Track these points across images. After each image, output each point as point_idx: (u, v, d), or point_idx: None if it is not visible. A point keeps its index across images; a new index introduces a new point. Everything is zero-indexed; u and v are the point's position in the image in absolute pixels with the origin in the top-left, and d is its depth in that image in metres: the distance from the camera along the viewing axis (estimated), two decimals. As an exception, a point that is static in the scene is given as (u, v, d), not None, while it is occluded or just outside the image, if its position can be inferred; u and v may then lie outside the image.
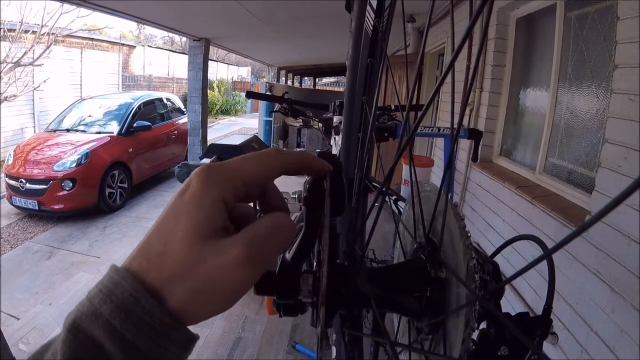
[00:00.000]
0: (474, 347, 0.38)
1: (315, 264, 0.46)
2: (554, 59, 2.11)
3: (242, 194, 0.28)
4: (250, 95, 2.43)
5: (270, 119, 7.66)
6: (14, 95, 7.02)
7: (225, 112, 17.97)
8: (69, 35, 8.73)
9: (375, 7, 0.57)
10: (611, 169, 1.41)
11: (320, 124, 2.38)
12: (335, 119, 1.98)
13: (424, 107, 0.32)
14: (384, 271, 0.47)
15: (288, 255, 0.46)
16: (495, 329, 0.39)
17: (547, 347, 1.65)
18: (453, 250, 0.39)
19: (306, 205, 0.45)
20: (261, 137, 7.61)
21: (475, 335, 0.36)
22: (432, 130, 2.04)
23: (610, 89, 1.48)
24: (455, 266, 0.38)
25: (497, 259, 0.43)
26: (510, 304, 2.06)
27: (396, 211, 0.78)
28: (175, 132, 6.55)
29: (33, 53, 7.31)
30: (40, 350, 0.23)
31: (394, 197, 1.00)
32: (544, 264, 0.41)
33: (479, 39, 2.90)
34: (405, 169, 2.97)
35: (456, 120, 0.38)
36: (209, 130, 5.72)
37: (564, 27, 2.04)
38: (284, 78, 12.80)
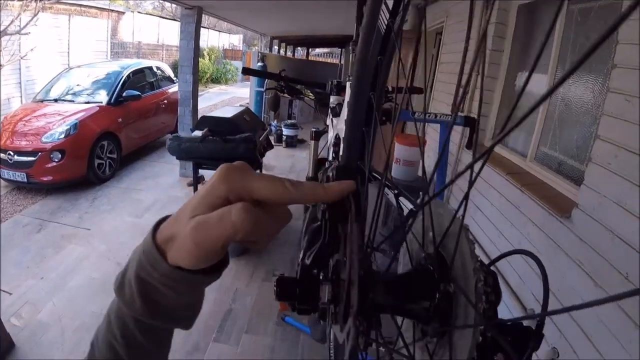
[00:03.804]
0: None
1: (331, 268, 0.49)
2: (554, 49, 2.11)
3: (246, 199, 0.35)
4: (247, 71, 2.39)
5: (262, 89, 7.53)
6: (1, 65, 6.76)
7: (216, 80, 17.56)
8: (56, 2, 8.34)
9: (391, 8, 0.58)
10: (601, 166, 1.45)
11: (312, 95, 2.26)
12: (332, 99, 1.94)
13: (456, 106, 0.34)
14: (394, 280, 0.50)
15: (307, 261, 0.49)
16: (491, 336, 0.42)
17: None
18: (463, 268, 0.42)
19: (326, 218, 0.47)
20: (252, 107, 7.50)
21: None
22: (429, 116, 2.05)
23: (607, 87, 1.50)
24: (464, 282, 0.41)
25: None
26: (507, 308, 2.05)
27: (397, 206, 0.80)
28: (165, 101, 6.40)
29: (20, 21, 7.00)
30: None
31: (395, 192, 1.02)
32: (539, 275, 0.44)
33: (479, 22, 2.87)
34: (397, 147, 2.98)
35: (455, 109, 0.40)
36: (198, 100, 5.60)
37: (566, 19, 2.04)
38: (276, 47, 12.45)
